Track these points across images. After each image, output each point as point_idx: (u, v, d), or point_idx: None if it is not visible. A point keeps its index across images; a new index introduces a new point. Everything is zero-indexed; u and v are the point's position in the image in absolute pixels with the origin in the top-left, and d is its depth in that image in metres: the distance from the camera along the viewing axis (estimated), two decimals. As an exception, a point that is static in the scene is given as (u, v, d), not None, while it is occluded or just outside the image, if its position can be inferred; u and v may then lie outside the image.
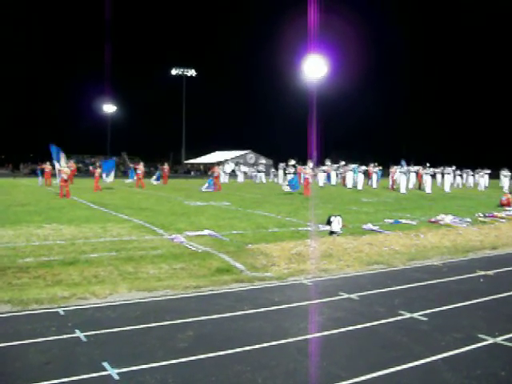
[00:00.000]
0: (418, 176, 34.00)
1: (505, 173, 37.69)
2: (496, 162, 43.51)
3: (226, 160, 42.72)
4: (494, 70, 79.53)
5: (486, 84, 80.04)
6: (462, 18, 79.31)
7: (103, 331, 5.36)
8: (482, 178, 37.72)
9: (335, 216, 12.40)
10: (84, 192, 24.93)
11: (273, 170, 46.32)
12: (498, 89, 77.27)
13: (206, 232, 11.59)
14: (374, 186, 35.08)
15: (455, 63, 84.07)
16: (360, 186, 32.58)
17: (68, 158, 28.44)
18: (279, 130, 79.22)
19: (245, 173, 43.64)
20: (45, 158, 35.84)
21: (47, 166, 32.40)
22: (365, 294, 7.10)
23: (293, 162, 38.68)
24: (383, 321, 5.89)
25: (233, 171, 42.67)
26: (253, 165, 47.10)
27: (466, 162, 45.27)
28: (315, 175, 33.47)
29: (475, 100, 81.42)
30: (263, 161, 46.09)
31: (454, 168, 37.48)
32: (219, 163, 39.70)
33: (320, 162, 37.92)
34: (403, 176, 31.10)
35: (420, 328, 5.67)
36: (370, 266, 8.96)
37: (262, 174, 42.66)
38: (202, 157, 78.48)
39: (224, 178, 39.00)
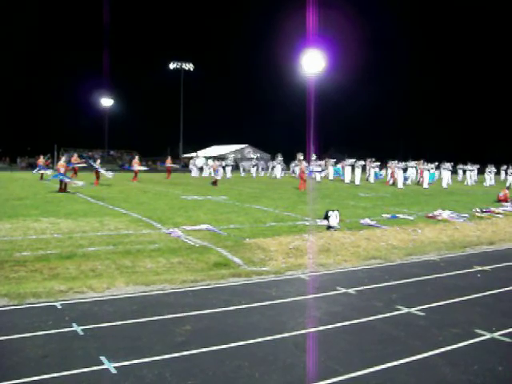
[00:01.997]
0: (421, 172, 33.97)
1: (488, 169, 38.04)
2: (495, 157, 43.56)
3: (197, 155, 42.48)
4: (494, 64, 79.55)
5: (485, 79, 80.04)
6: (461, 14, 79.23)
7: (100, 325, 5.35)
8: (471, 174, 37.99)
9: (333, 211, 12.39)
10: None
11: (243, 164, 45.64)
12: (497, 84, 77.30)
13: (203, 226, 11.58)
14: (372, 180, 35.14)
15: (454, 59, 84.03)
16: (357, 181, 32.61)
17: (65, 152, 28.44)
18: (277, 124, 79.12)
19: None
20: (41, 152, 35.83)
21: (41, 160, 32.46)
22: (362, 288, 7.11)
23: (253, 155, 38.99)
24: (380, 316, 5.90)
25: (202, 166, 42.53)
26: (250, 159, 47.10)
27: (465, 157, 45.30)
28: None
29: (474, 96, 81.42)
30: (232, 154, 45.74)
31: (452, 164, 37.53)
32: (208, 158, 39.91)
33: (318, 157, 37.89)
34: (400, 171, 31.12)
35: (417, 323, 5.68)
36: (367, 261, 8.97)
37: (229, 169, 42.27)
38: (200, 151, 78.37)
39: (195, 173, 38.88)
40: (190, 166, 40.28)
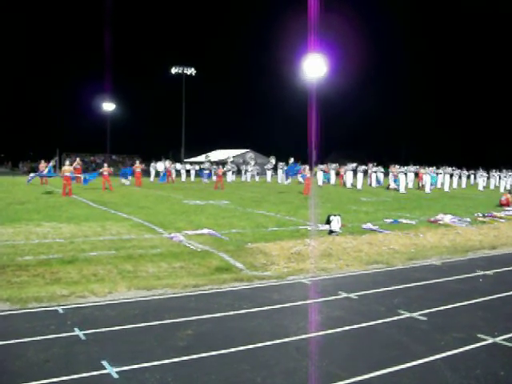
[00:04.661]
0: (419, 176, 34.03)
1: (480, 173, 38.37)
2: (495, 161, 43.62)
3: (162, 158, 42.12)
4: (495, 67, 79.59)
5: (485, 82, 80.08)
6: (462, 17, 79.34)
7: (102, 330, 5.35)
8: (481, 179, 37.98)
9: (335, 215, 12.39)
10: (85, 191, 24.86)
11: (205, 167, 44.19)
12: (499, 86, 77.29)
13: (205, 231, 11.58)
14: (373, 185, 35.14)
15: (455, 62, 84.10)
16: (359, 186, 32.60)
17: (68, 156, 28.35)
18: (279, 129, 79.26)
19: (177, 171, 43.09)
20: (42, 157, 35.84)
21: (42, 165, 32.41)
22: (364, 293, 7.10)
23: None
24: (382, 320, 5.89)
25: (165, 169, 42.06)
26: (253, 164, 46.86)
27: (466, 161, 45.33)
28: (314, 174, 33.48)
29: (475, 99, 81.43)
30: (208, 158, 45.12)
31: (453, 168, 37.60)
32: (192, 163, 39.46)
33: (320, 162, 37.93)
34: (402, 175, 31.13)
35: (419, 327, 5.67)
36: (369, 266, 8.96)
37: (229, 173, 41.76)
38: (202, 155, 78.44)
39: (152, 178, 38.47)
40: (151, 169, 39.73)
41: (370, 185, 35.57)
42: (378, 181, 35.08)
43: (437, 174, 35.26)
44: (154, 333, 5.31)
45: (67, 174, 22.14)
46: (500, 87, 76.07)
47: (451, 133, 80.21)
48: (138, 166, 32.14)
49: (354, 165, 35.28)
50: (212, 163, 39.15)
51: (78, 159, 35.65)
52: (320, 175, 35.67)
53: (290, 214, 15.98)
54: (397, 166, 33.83)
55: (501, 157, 50.88)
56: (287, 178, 26.73)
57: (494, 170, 40.56)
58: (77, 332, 5.25)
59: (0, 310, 5.94)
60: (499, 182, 38.30)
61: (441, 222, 14.35)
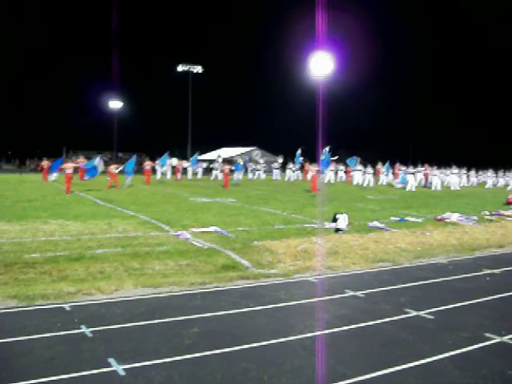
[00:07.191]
0: (425, 175, 33.90)
1: (488, 174, 38.48)
2: (502, 161, 43.48)
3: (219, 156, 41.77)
4: (501, 68, 79.10)
5: (493, 82, 79.60)
6: (469, 17, 78.89)
7: (109, 327, 5.37)
8: (489, 179, 37.95)
9: (341, 213, 12.37)
10: (91, 188, 24.92)
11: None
12: (507, 86, 76.80)
13: (211, 229, 11.59)
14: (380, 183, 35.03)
15: (465, 62, 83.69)
16: (366, 183, 32.50)
17: (75, 154, 28.35)
18: (286, 127, 79.24)
19: (183, 169, 42.70)
20: (47, 155, 35.85)
21: (46, 163, 32.43)
22: (370, 291, 7.09)
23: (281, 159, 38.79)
24: (389, 319, 5.87)
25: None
26: (256, 162, 46.78)
27: (472, 161, 45.16)
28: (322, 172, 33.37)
29: (482, 99, 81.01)
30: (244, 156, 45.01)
31: (460, 169, 37.45)
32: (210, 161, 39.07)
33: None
34: (411, 176, 30.98)
35: (426, 326, 5.65)
36: (375, 264, 8.94)
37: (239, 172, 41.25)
38: (208, 153, 78.51)
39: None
40: (157, 167, 39.35)
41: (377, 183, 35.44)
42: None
43: (445, 175, 35.12)
44: (161, 330, 5.33)
45: (69, 171, 22.13)
46: (508, 87, 75.63)
47: (458, 132, 79.87)
48: (148, 164, 32.06)
49: (362, 166, 35.03)
50: (223, 161, 39.04)
51: (81, 157, 35.72)
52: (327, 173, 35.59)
53: (297, 211, 15.97)
54: (400, 166, 33.66)
55: (508, 157, 50.65)
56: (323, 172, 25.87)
57: (501, 171, 40.49)
58: (83, 329, 5.27)
59: (7, 306, 5.98)
60: (507, 181, 38.23)
61: (448, 221, 14.29)
